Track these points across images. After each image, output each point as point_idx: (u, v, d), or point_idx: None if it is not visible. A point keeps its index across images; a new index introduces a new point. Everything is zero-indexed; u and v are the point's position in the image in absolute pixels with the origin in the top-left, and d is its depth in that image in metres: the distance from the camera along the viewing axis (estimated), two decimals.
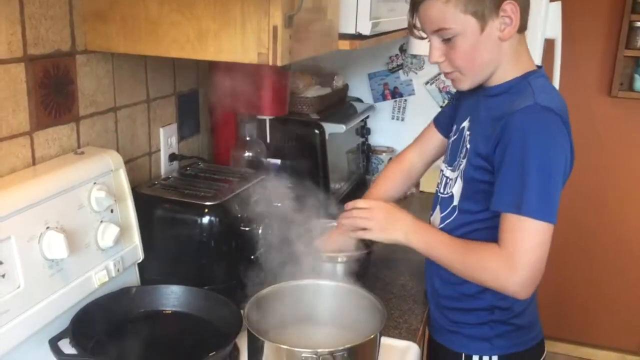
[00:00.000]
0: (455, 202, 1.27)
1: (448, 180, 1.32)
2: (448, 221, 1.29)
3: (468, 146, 1.25)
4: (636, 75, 2.92)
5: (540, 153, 1.10)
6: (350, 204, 1.36)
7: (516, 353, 1.31)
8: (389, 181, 1.55)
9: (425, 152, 1.53)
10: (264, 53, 1.17)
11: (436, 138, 1.50)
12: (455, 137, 1.34)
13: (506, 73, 1.22)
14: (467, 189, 1.23)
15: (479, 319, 1.30)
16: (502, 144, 1.13)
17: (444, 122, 1.47)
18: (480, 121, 1.23)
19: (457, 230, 1.25)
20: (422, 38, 1.25)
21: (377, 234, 1.30)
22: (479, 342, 1.31)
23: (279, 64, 1.18)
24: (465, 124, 1.30)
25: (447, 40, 1.18)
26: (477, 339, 1.31)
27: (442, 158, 1.41)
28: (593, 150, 3.00)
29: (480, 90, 1.27)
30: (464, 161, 1.25)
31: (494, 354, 1.30)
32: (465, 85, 1.24)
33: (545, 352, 1.39)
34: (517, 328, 1.31)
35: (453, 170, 1.30)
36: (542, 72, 1.25)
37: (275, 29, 1.15)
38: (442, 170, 1.37)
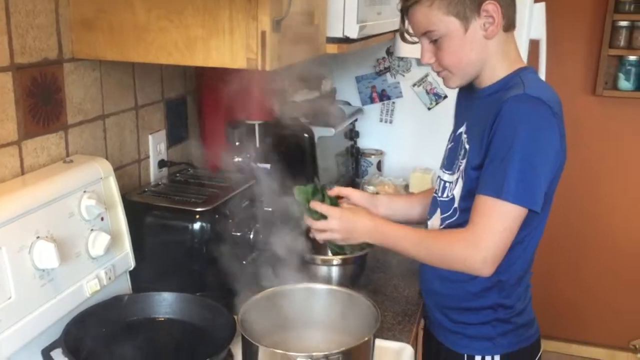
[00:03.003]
0: (456, 204, 1.29)
1: (447, 184, 1.33)
2: (450, 221, 1.31)
3: (467, 147, 1.27)
4: (620, 74, 2.95)
5: (525, 140, 1.13)
6: (308, 223, 1.35)
7: (516, 351, 1.32)
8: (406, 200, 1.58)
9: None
10: (252, 58, 1.17)
11: None
12: (452, 144, 1.36)
13: (496, 71, 1.25)
14: (468, 189, 1.25)
15: (482, 318, 1.31)
16: (492, 133, 1.17)
17: None
18: (477, 122, 1.25)
19: (459, 228, 1.27)
20: (413, 42, 1.30)
21: (342, 242, 1.33)
22: (481, 341, 1.32)
23: (267, 68, 1.18)
24: (462, 129, 1.32)
25: (434, 42, 1.24)
26: (480, 338, 1.32)
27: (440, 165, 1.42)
28: (579, 149, 3.03)
29: (473, 94, 1.31)
30: (464, 162, 1.27)
31: (497, 354, 1.31)
32: (455, 83, 1.29)
33: (541, 349, 1.40)
34: (518, 326, 1.32)
35: (452, 173, 1.31)
36: (532, 69, 1.29)
37: (263, 34, 1.15)
38: (439, 177, 1.38)
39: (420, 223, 1.47)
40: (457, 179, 1.29)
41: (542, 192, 1.17)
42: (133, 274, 1.35)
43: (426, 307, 1.43)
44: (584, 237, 3.20)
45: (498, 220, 1.15)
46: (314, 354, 0.97)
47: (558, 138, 1.18)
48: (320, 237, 1.33)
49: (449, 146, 1.38)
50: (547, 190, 1.19)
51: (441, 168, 1.39)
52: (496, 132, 1.16)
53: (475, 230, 1.17)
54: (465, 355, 1.34)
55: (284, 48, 1.22)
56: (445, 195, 1.33)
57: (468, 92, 1.34)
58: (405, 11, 1.26)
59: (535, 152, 1.14)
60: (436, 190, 1.38)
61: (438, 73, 1.30)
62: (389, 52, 2.33)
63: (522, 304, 1.32)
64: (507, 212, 1.14)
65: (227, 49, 1.18)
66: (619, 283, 3.21)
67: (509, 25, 1.24)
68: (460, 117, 1.39)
